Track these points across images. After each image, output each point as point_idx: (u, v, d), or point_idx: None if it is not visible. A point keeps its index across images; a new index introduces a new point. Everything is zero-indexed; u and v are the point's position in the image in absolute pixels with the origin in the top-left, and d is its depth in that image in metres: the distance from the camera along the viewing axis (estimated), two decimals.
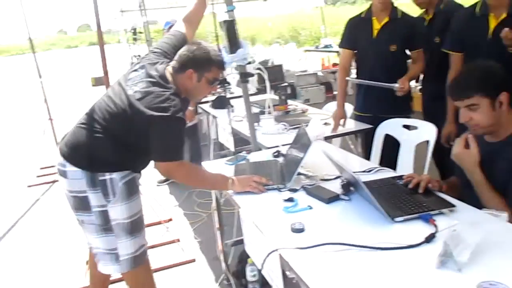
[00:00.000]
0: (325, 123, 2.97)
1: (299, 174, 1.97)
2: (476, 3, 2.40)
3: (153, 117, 1.76)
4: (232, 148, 3.23)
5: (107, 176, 1.83)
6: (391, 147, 2.66)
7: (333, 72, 7.88)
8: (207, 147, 4.70)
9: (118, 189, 1.85)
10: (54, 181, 4.80)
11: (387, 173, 2.00)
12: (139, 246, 1.95)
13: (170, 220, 3.58)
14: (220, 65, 1.97)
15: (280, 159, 2.30)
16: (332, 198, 1.73)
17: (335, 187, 1.84)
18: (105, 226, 1.89)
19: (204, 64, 1.90)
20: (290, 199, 1.77)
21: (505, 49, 2.13)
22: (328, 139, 2.73)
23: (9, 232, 3.80)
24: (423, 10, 2.92)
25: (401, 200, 1.62)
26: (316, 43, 13.58)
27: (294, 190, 1.87)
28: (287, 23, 20.67)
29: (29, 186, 4.88)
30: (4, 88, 15.83)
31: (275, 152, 2.41)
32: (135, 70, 1.94)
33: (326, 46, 9.54)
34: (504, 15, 2.25)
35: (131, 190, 1.90)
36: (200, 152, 4.45)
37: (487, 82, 1.57)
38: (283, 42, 16.26)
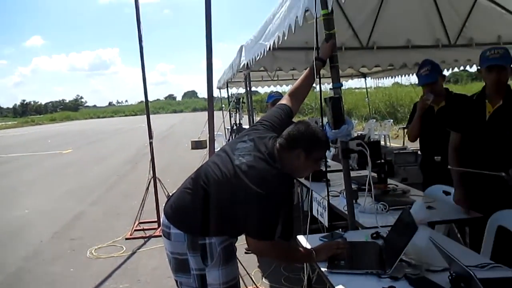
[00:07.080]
0: (429, 207, 2.80)
1: (401, 261, 1.85)
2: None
3: (253, 193, 1.77)
4: (325, 223, 3.15)
5: (207, 240, 1.87)
6: (506, 241, 2.40)
7: None
8: (298, 219, 4.64)
9: (216, 253, 1.88)
10: (149, 236, 5.13)
11: (503, 272, 1.79)
12: None
13: None
14: (326, 145, 1.99)
15: (380, 242, 2.19)
16: None
17: (442, 280, 1.68)
18: None
19: (313, 144, 1.91)
20: None
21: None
22: (432, 224, 2.55)
23: (107, 279, 4.00)
24: None
25: None
26: None
27: (395, 278, 1.74)
28: (385, 98, 20.51)
29: (127, 239, 5.19)
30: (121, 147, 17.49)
31: (373, 234, 2.30)
32: (244, 141, 2.00)
33: None
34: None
35: (228, 255, 1.92)
36: (292, 224, 4.40)
37: None
38: (380, 118, 16.07)
